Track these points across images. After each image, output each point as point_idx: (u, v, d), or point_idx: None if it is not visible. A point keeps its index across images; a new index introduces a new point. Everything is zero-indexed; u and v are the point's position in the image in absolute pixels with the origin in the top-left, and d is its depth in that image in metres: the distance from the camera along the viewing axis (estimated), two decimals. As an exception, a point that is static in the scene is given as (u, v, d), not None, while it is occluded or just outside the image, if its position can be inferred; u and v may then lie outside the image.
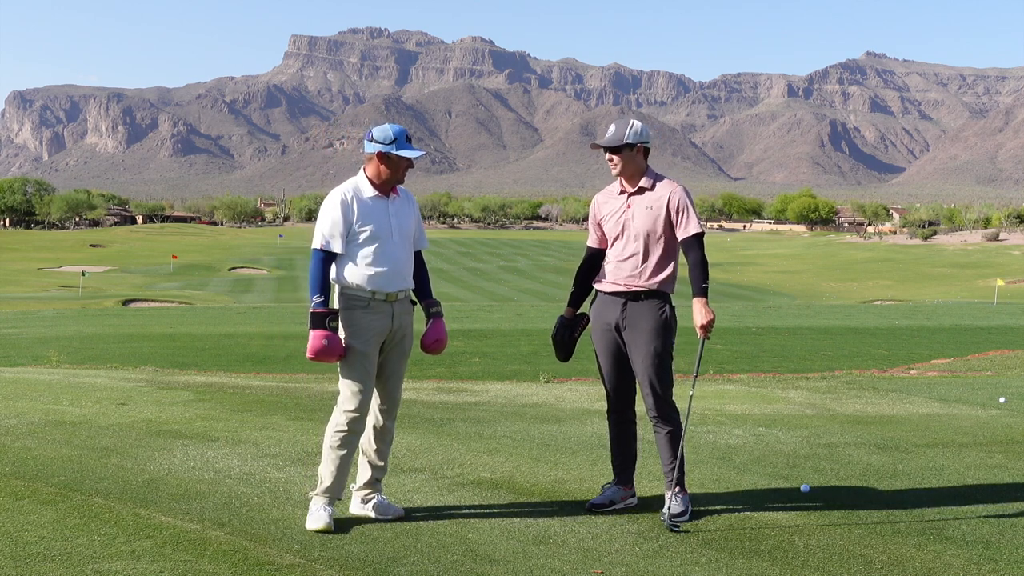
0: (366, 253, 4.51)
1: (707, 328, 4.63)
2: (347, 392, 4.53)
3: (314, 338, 4.39)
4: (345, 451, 4.54)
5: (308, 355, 4.42)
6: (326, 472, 4.54)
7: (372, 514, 4.63)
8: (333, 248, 4.49)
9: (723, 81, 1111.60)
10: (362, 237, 4.52)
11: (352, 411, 4.51)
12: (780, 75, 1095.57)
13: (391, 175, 4.57)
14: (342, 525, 4.46)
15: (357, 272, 4.52)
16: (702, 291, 4.66)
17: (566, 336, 5.01)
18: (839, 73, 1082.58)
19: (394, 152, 4.52)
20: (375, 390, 4.66)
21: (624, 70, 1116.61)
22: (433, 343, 4.75)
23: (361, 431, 4.58)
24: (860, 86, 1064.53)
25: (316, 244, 4.51)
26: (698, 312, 4.64)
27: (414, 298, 4.79)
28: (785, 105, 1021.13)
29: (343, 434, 4.52)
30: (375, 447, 4.70)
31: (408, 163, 4.58)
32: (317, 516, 4.42)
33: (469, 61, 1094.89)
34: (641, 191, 4.82)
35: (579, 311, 5.06)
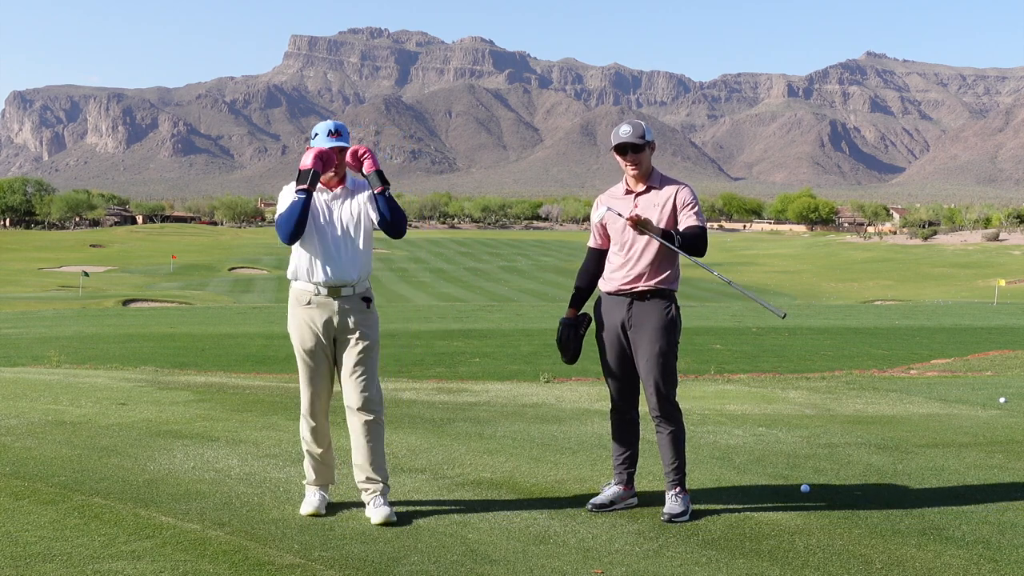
0: (306, 246, 4.64)
1: (635, 221, 4.56)
2: (301, 390, 4.79)
3: (309, 153, 4.56)
4: (310, 446, 4.77)
5: (308, 161, 4.50)
6: (306, 467, 4.82)
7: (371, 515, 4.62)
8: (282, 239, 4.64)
9: (723, 81, 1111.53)
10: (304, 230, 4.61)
11: (304, 409, 4.76)
12: (780, 75, 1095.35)
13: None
14: (342, 525, 4.46)
15: (300, 266, 4.67)
16: (671, 236, 4.58)
17: (571, 336, 4.94)
18: (839, 73, 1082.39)
19: (309, 146, 4.65)
20: (344, 389, 4.69)
21: (624, 70, 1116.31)
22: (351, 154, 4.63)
23: (317, 428, 4.76)
24: (860, 86, 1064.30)
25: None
26: (646, 218, 4.60)
27: (369, 295, 4.77)
28: (785, 105, 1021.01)
29: (303, 429, 4.79)
30: (355, 444, 4.70)
31: (324, 157, 4.54)
32: (308, 501, 4.67)
33: (469, 61, 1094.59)
34: (649, 190, 4.82)
35: (581, 311, 5.05)
